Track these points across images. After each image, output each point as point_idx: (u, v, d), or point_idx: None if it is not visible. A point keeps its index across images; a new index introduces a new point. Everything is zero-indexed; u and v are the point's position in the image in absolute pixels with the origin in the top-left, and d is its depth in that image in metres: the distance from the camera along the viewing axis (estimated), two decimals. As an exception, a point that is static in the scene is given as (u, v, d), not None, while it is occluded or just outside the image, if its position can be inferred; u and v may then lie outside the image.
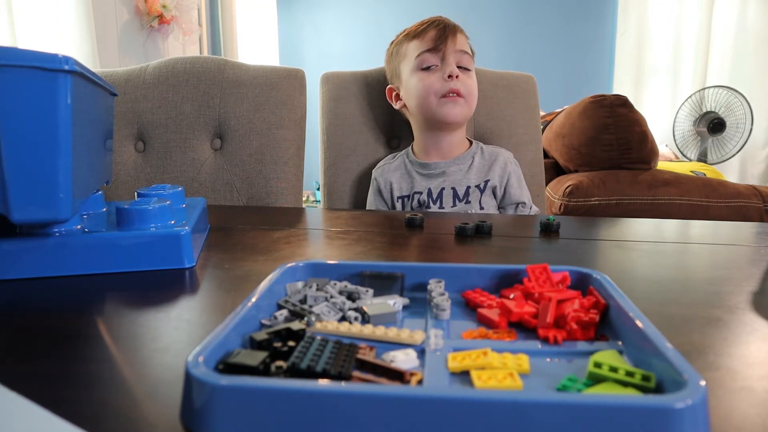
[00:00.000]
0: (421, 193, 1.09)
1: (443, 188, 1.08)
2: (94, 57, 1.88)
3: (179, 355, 0.34)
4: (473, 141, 1.16)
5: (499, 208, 1.10)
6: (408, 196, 1.11)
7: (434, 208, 1.08)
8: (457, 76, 1.05)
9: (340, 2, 3.81)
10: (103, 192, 0.67)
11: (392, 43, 1.16)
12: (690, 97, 3.11)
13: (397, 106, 1.16)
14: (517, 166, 1.12)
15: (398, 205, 1.12)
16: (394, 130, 1.24)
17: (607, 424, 0.22)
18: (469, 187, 1.08)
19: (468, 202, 1.07)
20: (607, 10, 3.59)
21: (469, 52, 1.10)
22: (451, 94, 1.05)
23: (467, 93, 1.07)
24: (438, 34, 1.06)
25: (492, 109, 1.24)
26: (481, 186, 1.08)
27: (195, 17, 2.77)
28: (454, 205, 1.08)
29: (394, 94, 1.16)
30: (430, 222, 0.79)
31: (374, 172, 1.15)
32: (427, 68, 1.06)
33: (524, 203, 1.09)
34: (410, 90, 1.09)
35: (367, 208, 1.15)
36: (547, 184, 1.65)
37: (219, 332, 0.29)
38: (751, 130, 2.98)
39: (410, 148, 1.17)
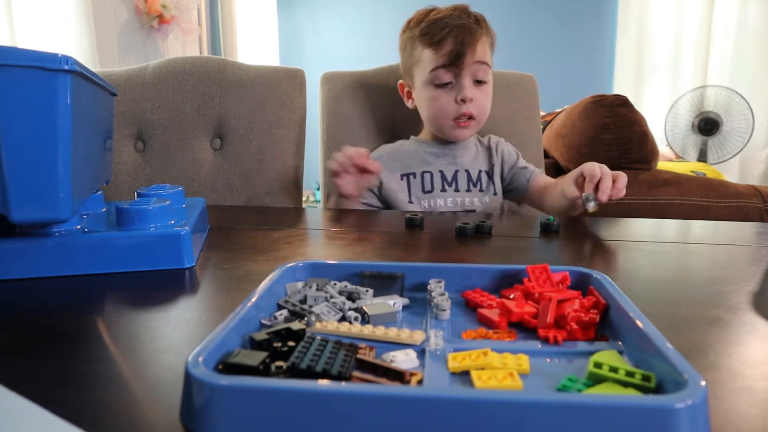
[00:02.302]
0: (430, 173, 1.06)
1: (457, 170, 1.07)
2: (94, 57, 1.88)
3: (179, 355, 0.34)
4: None
5: (507, 188, 1.11)
6: (413, 174, 1.06)
7: (449, 191, 1.06)
8: (471, 100, 1.01)
9: (340, 2, 3.81)
10: (103, 192, 0.66)
11: (408, 25, 1.08)
12: (689, 92, 3.11)
13: (409, 105, 1.13)
14: (508, 146, 1.14)
15: (402, 184, 1.06)
16: (395, 130, 1.24)
17: (607, 424, 0.22)
18: (480, 171, 1.09)
19: (481, 190, 1.07)
20: (607, 10, 3.59)
21: (488, 61, 1.03)
22: (462, 118, 1.03)
23: (479, 113, 1.04)
24: (455, 49, 0.98)
25: (492, 109, 1.23)
26: (490, 172, 1.09)
27: (195, 17, 2.77)
28: (469, 189, 1.07)
29: (406, 90, 1.12)
30: (430, 222, 0.79)
31: (373, 154, 1.11)
32: (441, 85, 1.02)
33: (526, 167, 1.11)
34: (422, 102, 1.06)
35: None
36: (547, 184, 1.65)
37: (219, 332, 0.29)
38: (752, 131, 2.98)
39: (413, 136, 1.15)
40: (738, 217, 1.49)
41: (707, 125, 3.00)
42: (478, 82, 1.03)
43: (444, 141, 1.10)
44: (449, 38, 0.98)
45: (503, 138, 1.17)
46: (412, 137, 1.15)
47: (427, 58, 1.02)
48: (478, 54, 1.00)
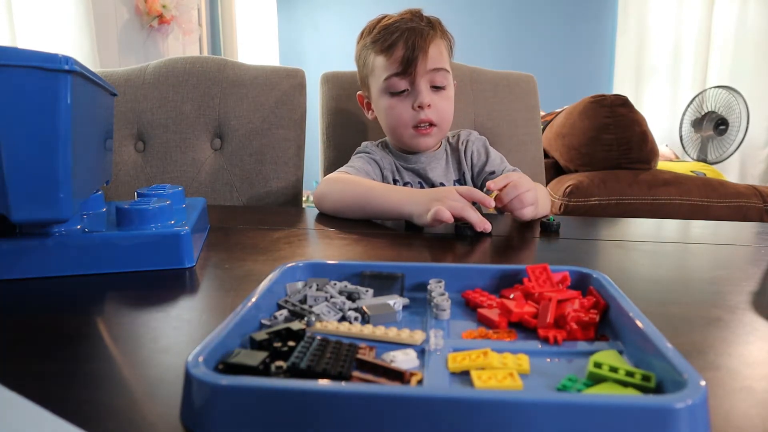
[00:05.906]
0: (409, 183, 1.04)
1: (433, 185, 1.02)
2: (94, 57, 1.88)
3: (179, 355, 0.34)
4: None
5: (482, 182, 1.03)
6: (396, 181, 1.05)
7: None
8: (429, 105, 0.96)
9: (340, 2, 3.81)
10: (103, 192, 0.66)
11: (362, 35, 1.05)
12: (693, 100, 3.12)
13: (369, 116, 1.08)
14: (479, 138, 1.07)
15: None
16: (394, 130, 1.23)
17: (607, 424, 0.22)
18: (455, 183, 1.03)
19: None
20: (607, 10, 3.59)
21: (446, 66, 0.98)
22: (422, 125, 0.97)
23: (440, 120, 0.98)
24: (407, 55, 0.93)
25: (492, 109, 1.24)
26: (462, 179, 1.03)
27: (195, 17, 2.77)
28: None
29: (365, 102, 1.08)
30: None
31: (368, 145, 1.07)
32: (397, 93, 0.97)
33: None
34: (379, 112, 1.02)
35: (350, 170, 0.97)
36: (547, 184, 1.65)
37: (219, 332, 0.29)
38: (747, 128, 2.98)
39: (386, 141, 1.09)
40: (738, 217, 1.49)
41: (719, 125, 3.02)
42: (437, 88, 0.98)
43: (411, 153, 1.04)
44: (400, 42, 0.94)
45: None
46: (388, 146, 1.08)
47: (380, 66, 0.98)
48: (432, 58, 0.95)
